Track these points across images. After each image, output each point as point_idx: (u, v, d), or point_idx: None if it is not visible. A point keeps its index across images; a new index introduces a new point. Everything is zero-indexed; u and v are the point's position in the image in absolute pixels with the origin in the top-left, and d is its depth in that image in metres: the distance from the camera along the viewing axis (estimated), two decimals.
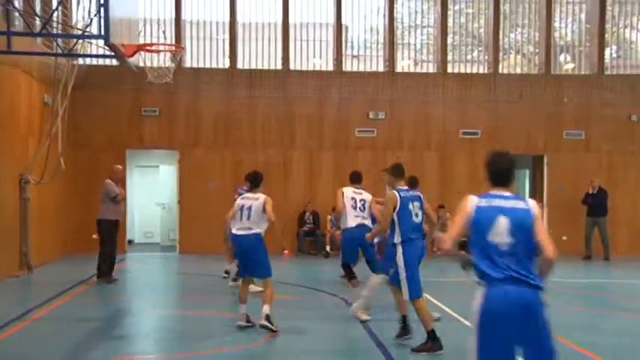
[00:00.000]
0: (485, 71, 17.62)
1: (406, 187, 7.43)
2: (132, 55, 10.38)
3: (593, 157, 16.98)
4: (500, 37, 17.69)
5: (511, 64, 18.48)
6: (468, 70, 17.88)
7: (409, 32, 18.29)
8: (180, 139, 16.50)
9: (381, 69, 17.49)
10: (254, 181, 7.96)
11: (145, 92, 15.97)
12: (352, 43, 18.28)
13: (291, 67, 17.16)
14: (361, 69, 17.70)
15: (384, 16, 17.51)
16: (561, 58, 18.39)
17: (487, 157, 4.34)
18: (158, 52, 12.31)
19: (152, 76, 12.47)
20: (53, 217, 14.45)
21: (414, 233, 7.07)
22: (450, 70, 17.54)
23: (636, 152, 16.95)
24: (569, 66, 18.19)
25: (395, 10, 17.46)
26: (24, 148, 12.66)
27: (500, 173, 4.28)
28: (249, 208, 7.70)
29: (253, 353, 7.01)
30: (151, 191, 18.19)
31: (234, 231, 7.77)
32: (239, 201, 7.92)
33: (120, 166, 12.50)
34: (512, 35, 18.62)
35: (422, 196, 7.40)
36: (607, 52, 17.98)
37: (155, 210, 18.22)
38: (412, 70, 17.93)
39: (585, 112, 17.11)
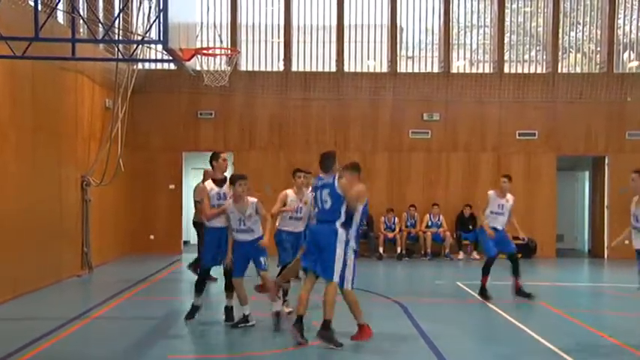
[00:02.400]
0: (544, 71, 17.21)
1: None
2: (189, 59, 10.55)
3: None
4: (560, 35, 17.25)
5: (571, 64, 18.00)
6: (526, 70, 17.50)
7: (465, 32, 18.03)
8: (235, 141, 16.70)
9: (436, 70, 17.30)
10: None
11: (201, 95, 16.24)
12: (407, 44, 18.14)
13: (346, 69, 17.15)
14: (416, 70, 17.54)
15: (440, 16, 17.31)
16: (625, 55, 17.78)
17: None
18: (214, 55, 12.49)
19: (208, 79, 12.66)
20: (112, 218, 14.84)
21: None
22: (506, 70, 17.21)
23: None
24: (634, 64, 17.58)
25: (450, 10, 17.24)
26: (86, 151, 13.03)
27: None
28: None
29: (304, 353, 7.01)
30: None
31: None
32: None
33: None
34: (572, 33, 18.13)
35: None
36: None
37: None
38: (468, 70, 17.67)
39: None
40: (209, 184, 8.33)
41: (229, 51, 13.62)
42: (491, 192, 10.59)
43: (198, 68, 12.93)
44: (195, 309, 8.42)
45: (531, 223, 16.06)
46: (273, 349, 7.14)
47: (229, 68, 13.72)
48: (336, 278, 7.06)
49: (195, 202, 11.54)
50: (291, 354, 6.93)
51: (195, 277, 8.94)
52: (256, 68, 17.31)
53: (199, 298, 8.43)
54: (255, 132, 16.77)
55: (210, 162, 8.41)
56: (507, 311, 9.12)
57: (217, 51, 12.56)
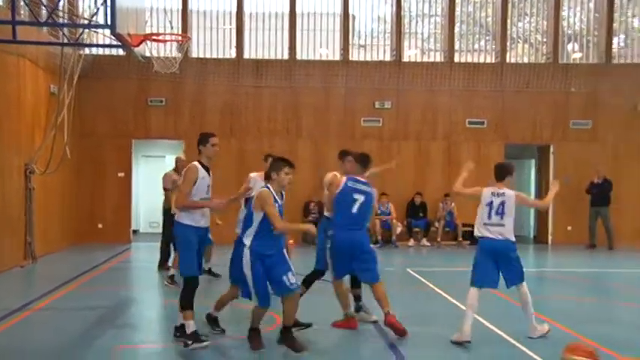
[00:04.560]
0: (493, 60, 17.38)
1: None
2: (138, 45, 10.26)
3: (599, 146, 16.77)
4: (508, 25, 17.45)
5: (519, 54, 18.25)
6: (475, 60, 17.65)
7: (416, 21, 18.05)
8: (186, 128, 16.37)
9: (388, 58, 17.29)
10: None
11: (151, 82, 15.85)
12: (359, 32, 18.08)
13: (298, 56, 16.99)
14: (368, 58, 17.51)
15: (392, 5, 17.30)
16: (569, 47, 18.11)
17: None
18: (164, 41, 12.16)
19: (158, 65, 12.34)
20: (58, 207, 14.39)
21: None
22: (457, 59, 17.32)
23: None
24: (577, 55, 17.93)
25: None
26: (29, 138, 12.56)
27: None
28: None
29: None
30: (156, 181, 18.00)
31: None
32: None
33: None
34: (520, 24, 18.36)
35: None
36: (615, 41, 17.71)
37: (160, 200, 18.02)
38: (419, 59, 17.72)
39: (592, 102, 16.88)
40: (197, 166, 6.74)
41: (180, 37, 13.26)
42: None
43: (147, 54, 12.59)
44: (194, 333, 6.54)
45: None
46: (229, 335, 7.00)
47: (180, 55, 13.41)
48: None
49: (165, 190, 11.21)
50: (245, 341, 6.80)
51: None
52: (208, 55, 17.00)
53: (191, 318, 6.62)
54: (207, 119, 16.46)
55: (198, 145, 6.87)
56: (457, 298, 9.17)
57: (167, 37, 12.21)
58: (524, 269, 7.15)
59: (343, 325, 7.50)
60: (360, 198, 7.29)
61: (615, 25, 17.62)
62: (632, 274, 12.55)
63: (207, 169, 6.84)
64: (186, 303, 6.62)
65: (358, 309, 7.80)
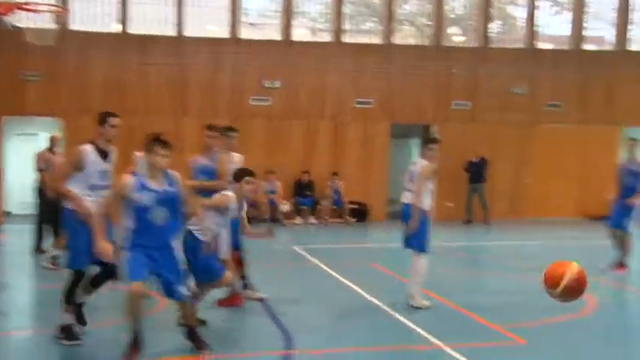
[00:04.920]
0: (380, 42, 17.73)
1: None
2: (5, 13, 9.62)
3: (478, 127, 17.54)
4: (394, 8, 17.83)
5: (405, 36, 18.72)
6: (363, 41, 17.93)
7: (305, 1, 18.06)
8: (65, 106, 15.56)
9: (277, 37, 17.22)
10: None
11: (27, 55, 14.91)
12: (248, 10, 17.88)
13: (185, 33, 16.58)
14: (257, 37, 17.36)
15: None
16: (451, 30, 18.79)
17: None
18: (36, 11, 11.43)
19: (31, 37, 11.62)
20: None
21: None
22: (345, 40, 17.53)
23: (517, 123, 17.64)
24: (459, 39, 18.63)
25: None
26: None
27: None
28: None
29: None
30: (30, 160, 17.09)
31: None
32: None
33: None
34: (406, 7, 18.82)
35: None
36: (493, 26, 18.53)
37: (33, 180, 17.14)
38: (309, 39, 17.77)
39: (472, 84, 17.62)
40: (85, 150, 6.11)
41: (55, 8, 12.55)
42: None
43: (20, 25, 11.84)
44: (69, 330, 6.07)
45: (366, 188, 16.72)
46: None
47: (56, 27, 12.71)
48: None
49: (39, 171, 10.62)
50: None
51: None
52: (89, 29, 16.22)
53: (71, 314, 6.14)
54: (89, 96, 15.70)
55: (97, 125, 6.25)
56: (341, 273, 9.37)
57: (40, 7, 11.50)
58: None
59: (228, 303, 7.47)
60: None
61: (493, 10, 18.43)
62: (504, 246, 13.33)
63: (103, 154, 6.20)
64: (69, 296, 6.12)
65: (244, 287, 7.80)
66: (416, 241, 7.49)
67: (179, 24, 16.48)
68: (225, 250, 6.68)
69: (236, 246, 7.48)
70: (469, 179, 16.79)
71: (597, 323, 7.29)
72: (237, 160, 7.77)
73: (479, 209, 16.81)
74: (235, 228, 7.21)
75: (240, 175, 6.73)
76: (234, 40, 16.73)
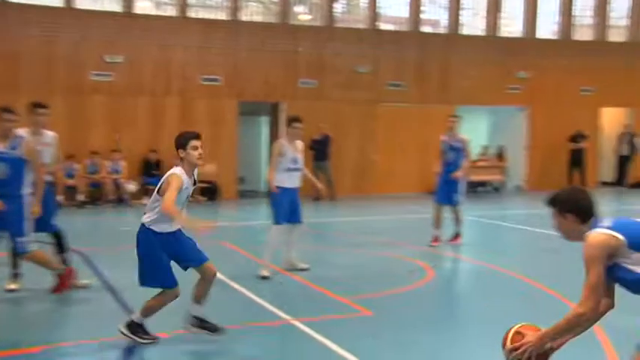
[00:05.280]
0: (227, 18, 17.44)
1: None
2: None
3: (325, 104, 17.88)
4: None
5: (253, 12, 18.57)
6: (210, 17, 17.55)
7: None
8: None
9: (118, 9, 16.37)
10: None
11: None
12: None
13: None
14: (97, 8, 16.39)
15: None
16: (297, 9, 18.92)
17: None
18: None
19: None
20: None
21: None
22: (191, 15, 17.05)
23: (361, 101, 18.21)
24: (305, 17, 18.82)
25: None
26: None
27: None
28: None
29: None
30: None
31: None
32: None
33: None
34: None
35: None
36: (337, 6, 18.90)
37: None
38: (153, 12, 17.07)
39: (318, 62, 17.89)
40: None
41: None
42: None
43: None
44: None
45: (215, 166, 16.52)
46: None
47: None
48: None
49: None
50: None
51: None
52: None
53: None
54: None
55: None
56: None
57: None
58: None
59: (61, 287, 6.98)
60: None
61: None
62: (349, 222, 13.77)
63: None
64: None
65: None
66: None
67: None
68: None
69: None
70: (313, 157, 17.01)
71: (435, 291, 7.77)
72: (49, 139, 7.20)
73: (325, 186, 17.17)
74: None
75: (184, 140, 5.44)
76: (70, 10, 15.69)
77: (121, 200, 15.49)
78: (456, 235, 10.49)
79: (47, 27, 15.34)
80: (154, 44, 16.27)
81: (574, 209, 3.66)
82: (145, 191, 15.95)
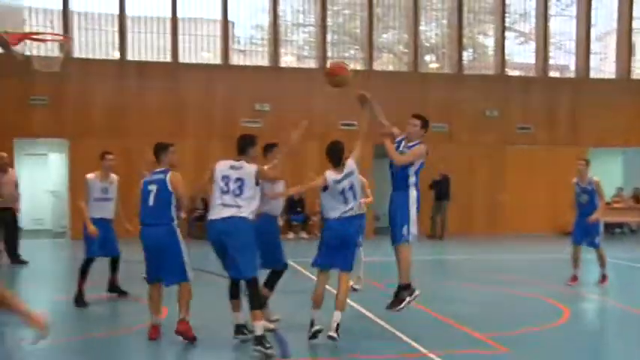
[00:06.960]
0: (361, 68, 17.87)
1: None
2: (16, 44, 9.59)
3: (454, 147, 17.64)
4: (374, 37, 18.00)
5: (384, 62, 18.89)
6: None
7: (292, 30, 18.21)
8: (70, 128, 15.51)
9: (266, 64, 17.30)
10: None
11: (33, 81, 14.83)
12: (239, 38, 17.98)
13: (180, 59, 16.61)
14: (247, 63, 17.44)
15: (269, 13, 17.33)
16: (427, 58, 18.99)
17: None
18: (44, 41, 11.42)
19: (38, 64, 11.59)
20: None
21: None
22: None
23: (490, 144, 17.80)
24: (434, 65, 18.84)
25: (278, 8, 17.31)
26: None
27: None
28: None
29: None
30: (39, 179, 17.13)
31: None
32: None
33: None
34: (385, 36, 19.02)
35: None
36: (465, 54, 18.77)
37: (44, 197, 17.18)
38: (295, 65, 17.86)
39: (447, 107, 17.77)
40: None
41: (60, 37, 12.54)
42: (90, 176, 8.37)
43: (27, 53, 11.80)
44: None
45: None
46: None
47: (61, 55, 12.69)
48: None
49: None
50: None
51: None
52: (90, 56, 16.21)
53: None
54: (91, 119, 15.71)
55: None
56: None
57: (47, 37, 11.49)
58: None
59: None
60: (154, 188, 6.36)
61: (465, 40, 18.67)
62: (480, 260, 13.39)
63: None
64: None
65: None
66: None
67: (174, 51, 16.50)
68: None
69: None
70: (435, 197, 16.71)
71: (574, 332, 7.34)
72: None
73: (464, 221, 16.86)
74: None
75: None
76: (226, 66, 16.78)
77: None
78: (603, 277, 9.93)
79: (207, 81, 16.50)
80: (297, 94, 16.96)
81: None
82: (289, 227, 16.50)
